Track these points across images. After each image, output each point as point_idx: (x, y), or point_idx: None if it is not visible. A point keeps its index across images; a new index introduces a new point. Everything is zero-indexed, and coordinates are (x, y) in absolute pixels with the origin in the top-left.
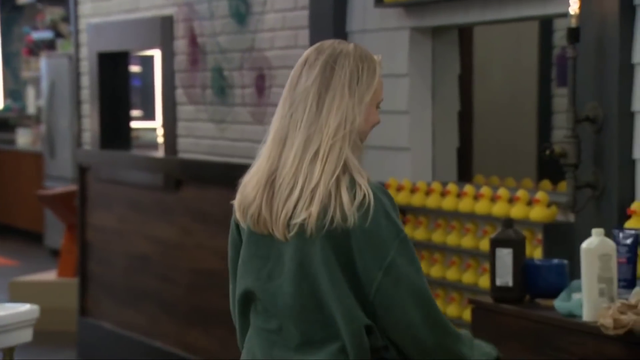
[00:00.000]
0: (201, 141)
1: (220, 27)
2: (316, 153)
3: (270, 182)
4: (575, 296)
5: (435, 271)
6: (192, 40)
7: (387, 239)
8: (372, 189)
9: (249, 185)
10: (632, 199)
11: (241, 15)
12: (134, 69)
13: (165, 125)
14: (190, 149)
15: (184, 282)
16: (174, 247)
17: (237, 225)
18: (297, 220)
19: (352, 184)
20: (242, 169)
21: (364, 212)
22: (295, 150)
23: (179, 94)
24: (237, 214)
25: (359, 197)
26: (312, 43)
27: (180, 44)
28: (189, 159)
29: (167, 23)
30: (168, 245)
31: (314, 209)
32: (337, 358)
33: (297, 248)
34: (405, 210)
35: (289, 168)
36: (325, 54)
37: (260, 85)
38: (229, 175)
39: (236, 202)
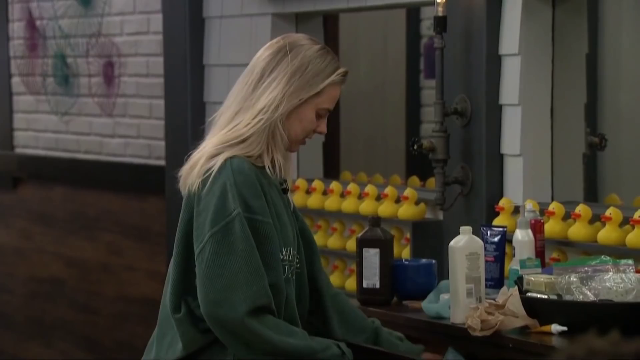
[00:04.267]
0: (42, 135)
1: (62, 9)
2: (234, 127)
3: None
4: (444, 297)
5: None
6: (30, 23)
7: (218, 212)
8: (225, 161)
9: None
10: (500, 195)
11: None
12: None
13: None
14: (30, 143)
15: (22, 292)
16: (10, 253)
17: None
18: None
19: (216, 155)
20: (90, 165)
21: (204, 180)
22: (224, 119)
23: (16, 82)
24: None
25: (208, 165)
26: (165, 28)
27: (16, 27)
28: (28, 154)
29: None
30: (4, 251)
31: (183, 173)
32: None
33: (178, 226)
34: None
35: (211, 134)
36: (287, 40)
37: (109, 73)
38: (74, 172)
39: None
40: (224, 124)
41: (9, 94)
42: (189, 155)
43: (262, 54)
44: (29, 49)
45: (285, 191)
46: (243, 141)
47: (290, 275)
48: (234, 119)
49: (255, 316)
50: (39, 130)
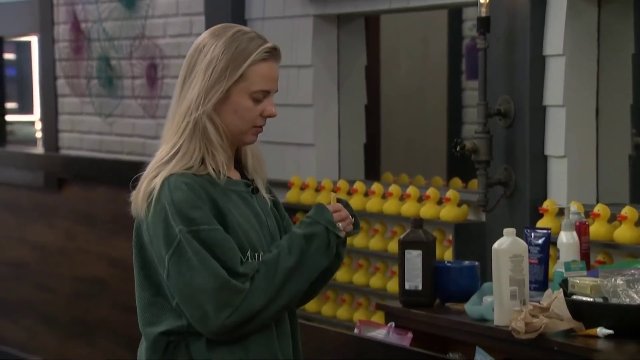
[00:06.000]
0: (86, 136)
1: (106, 12)
2: (166, 138)
3: None
4: (487, 299)
5: (341, 275)
6: (75, 26)
7: (166, 235)
8: (163, 182)
9: None
10: (544, 197)
11: None
12: (8, 56)
13: (44, 119)
14: (74, 145)
15: (66, 291)
16: (55, 252)
17: None
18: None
19: (155, 176)
20: (133, 166)
21: (148, 204)
22: (163, 135)
23: (61, 84)
24: None
25: (149, 188)
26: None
27: (62, 30)
28: (72, 155)
29: (46, 6)
30: (48, 250)
31: (132, 198)
32: None
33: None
34: (309, 211)
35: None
36: (203, 36)
37: (152, 75)
38: (118, 173)
39: None
40: (164, 137)
41: (54, 95)
42: (138, 177)
43: (184, 60)
44: (74, 51)
45: (254, 191)
46: (176, 152)
47: None
48: (170, 132)
49: (233, 313)
50: (84, 132)
